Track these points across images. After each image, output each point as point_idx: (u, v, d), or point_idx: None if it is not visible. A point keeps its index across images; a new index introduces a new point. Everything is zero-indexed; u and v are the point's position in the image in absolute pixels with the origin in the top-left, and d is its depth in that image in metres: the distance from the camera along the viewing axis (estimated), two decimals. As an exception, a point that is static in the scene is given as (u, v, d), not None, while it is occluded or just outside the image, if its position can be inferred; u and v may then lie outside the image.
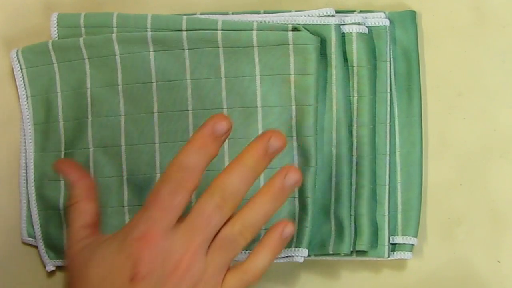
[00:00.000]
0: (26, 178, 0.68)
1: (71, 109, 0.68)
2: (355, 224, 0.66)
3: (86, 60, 0.67)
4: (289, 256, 0.65)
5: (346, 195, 0.66)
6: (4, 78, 0.69)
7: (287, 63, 0.66)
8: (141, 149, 0.67)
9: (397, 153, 0.68)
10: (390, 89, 0.67)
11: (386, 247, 0.66)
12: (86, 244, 0.59)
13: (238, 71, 0.66)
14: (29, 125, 0.68)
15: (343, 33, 0.66)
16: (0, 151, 0.69)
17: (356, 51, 0.66)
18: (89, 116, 0.68)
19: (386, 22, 0.67)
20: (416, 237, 0.67)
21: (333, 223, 0.66)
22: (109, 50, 0.67)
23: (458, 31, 0.69)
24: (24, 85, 0.68)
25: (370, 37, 0.67)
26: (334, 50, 0.66)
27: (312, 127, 0.65)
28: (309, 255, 0.66)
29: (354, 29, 0.66)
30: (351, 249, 0.66)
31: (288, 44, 0.65)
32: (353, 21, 0.66)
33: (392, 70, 0.67)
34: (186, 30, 0.66)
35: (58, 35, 0.68)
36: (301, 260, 0.65)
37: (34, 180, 0.68)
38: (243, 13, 0.68)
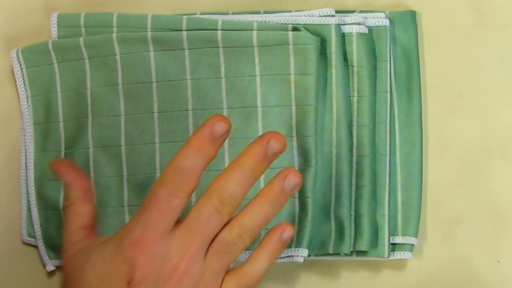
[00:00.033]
0: (26, 178, 0.68)
1: (71, 109, 0.68)
2: (355, 224, 0.66)
3: (86, 60, 0.67)
4: (289, 256, 0.65)
5: (346, 195, 0.66)
6: (4, 78, 0.69)
7: (287, 63, 0.66)
8: (141, 149, 0.67)
9: (397, 153, 0.68)
10: (390, 89, 0.67)
11: (386, 247, 0.66)
12: (83, 246, 0.59)
13: (238, 71, 0.66)
14: (29, 125, 0.68)
15: (343, 33, 0.66)
16: (0, 151, 0.69)
17: (356, 51, 0.66)
18: (89, 116, 0.68)
19: (386, 22, 0.67)
20: (416, 237, 0.67)
21: (333, 223, 0.66)
22: (109, 50, 0.67)
23: (458, 31, 0.69)
24: (24, 85, 0.68)
25: (370, 37, 0.67)
26: (334, 50, 0.66)
27: (312, 127, 0.65)
28: (309, 255, 0.66)
29: (354, 29, 0.66)
30: (351, 249, 0.66)
31: (288, 44, 0.65)
32: (353, 21, 0.66)
33: (392, 70, 0.67)
34: (186, 30, 0.66)
35: (58, 35, 0.68)
36: (301, 260, 0.65)
37: (34, 180, 0.68)
38: (243, 13, 0.68)
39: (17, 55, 0.68)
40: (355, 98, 0.66)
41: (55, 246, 0.68)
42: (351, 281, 0.68)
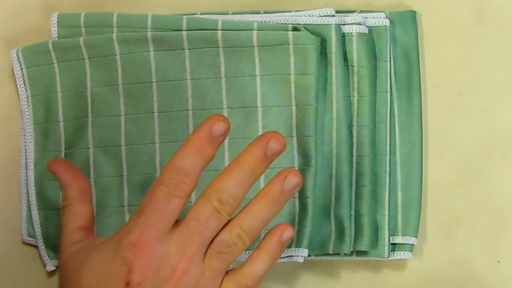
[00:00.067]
0: (26, 178, 0.68)
1: (71, 109, 0.68)
2: (355, 224, 0.66)
3: (86, 60, 0.67)
4: (289, 256, 0.65)
5: (346, 195, 0.66)
6: (4, 78, 0.69)
7: (287, 63, 0.66)
8: (141, 149, 0.67)
9: (397, 153, 0.68)
10: (390, 89, 0.67)
11: (386, 247, 0.66)
12: (81, 247, 0.59)
13: (238, 71, 0.66)
14: (29, 125, 0.68)
15: (343, 33, 0.66)
16: (0, 151, 0.69)
17: (356, 51, 0.66)
18: (89, 116, 0.68)
19: (386, 22, 0.67)
20: (416, 237, 0.67)
21: (333, 223, 0.66)
22: (109, 50, 0.67)
23: (458, 31, 0.69)
24: (24, 85, 0.68)
25: (370, 37, 0.67)
26: (334, 50, 0.66)
27: (312, 127, 0.65)
28: (309, 255, 0.66)
29: (354, 29, 0.66)
30: (351, 249, 0.66)
31: (288, 44, 0.65)
32: (353, 21, 0.66)
33: (392, 70, 0.67)
34: (186, 30, 0.66)
35: (58, 35, 0.68)
36: (301, 260, 0.65)
37: (34, 180, 0.68)
38: (243, 13, 0.68)
39: (17, 55, 0.68)
40: (355, 98, 0.66)
41: (55, 246, 0.67)
42: (351, 281, 0.68)
